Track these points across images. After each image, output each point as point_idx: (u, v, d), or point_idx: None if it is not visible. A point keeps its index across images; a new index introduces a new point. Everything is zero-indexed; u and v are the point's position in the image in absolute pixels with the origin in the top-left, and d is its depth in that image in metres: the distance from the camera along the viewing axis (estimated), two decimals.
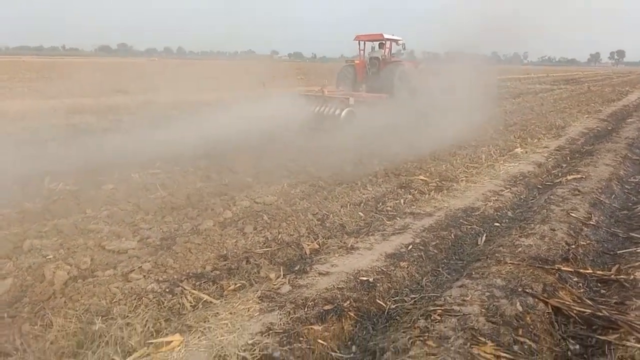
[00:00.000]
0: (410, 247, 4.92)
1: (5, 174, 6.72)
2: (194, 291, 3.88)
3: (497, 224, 5.79)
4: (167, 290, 3.89)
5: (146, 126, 11.77)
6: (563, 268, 4.43)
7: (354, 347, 3.39)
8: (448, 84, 14.47)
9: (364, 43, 15.88)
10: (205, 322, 3.42)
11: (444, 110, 12.68)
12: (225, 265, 4.40)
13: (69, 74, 31.98)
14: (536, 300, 3.84)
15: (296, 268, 4.42)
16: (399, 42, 15.85)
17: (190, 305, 3.70)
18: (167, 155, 8.35)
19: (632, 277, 4.32)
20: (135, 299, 3.69)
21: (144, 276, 4.08)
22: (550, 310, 3.76)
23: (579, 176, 7.67)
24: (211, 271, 4.28)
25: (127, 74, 34.04)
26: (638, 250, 4.96)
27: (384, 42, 15.53)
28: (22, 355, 3.00)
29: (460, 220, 5.74)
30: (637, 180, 8.08)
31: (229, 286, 4.01)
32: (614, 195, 7.01)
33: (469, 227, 5.61)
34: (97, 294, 3.70)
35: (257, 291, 3.90)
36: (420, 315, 3.56)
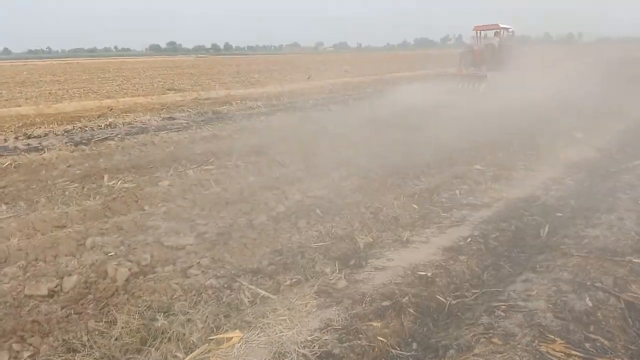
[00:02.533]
0: (469, 239, 4.76)
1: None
2: (251, 286, 3.90)
3: (559, 214, 5.52)
4: (225, 285, 3.93)
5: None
6: (635, 260, 4.17)
7: (414, 345, 3.30)
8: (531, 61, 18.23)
9: (480, 32, 19.53)
10: (263, 317, 3.42)
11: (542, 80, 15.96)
12: (280, 259, 4.41)
13: (118, 73, 33.27)
14: (607, 294, 3.63)
15: (351, 262, 4.37)
16: (510, 30, 19.11)
17: (248, 301, 3.71)
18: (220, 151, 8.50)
19: None
20: (195, 295, 3.75)
21: (203, 272, 4.15)
22: (623, 306, 3.54)
23: None
24: (267, 266, 4.29)
25: (177, 71, 34.97)
26: None
27: (499, 30, 18.86)
28: (89, 351, 3.09)
29: (521, 211, 5.51)
30: None
31: (285, 281, 4.01)
32: None
33: (530, 217, 5.37)
34: (157, 290, 3.79)
35: (314, 286, 3.88)
36: (484, 311, 3.43)
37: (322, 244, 4.73)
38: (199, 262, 4.29)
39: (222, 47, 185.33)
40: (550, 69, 17.97)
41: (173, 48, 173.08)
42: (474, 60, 18.98)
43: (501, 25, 18.86)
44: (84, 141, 10.10)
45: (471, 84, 16.65)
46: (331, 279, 4.03)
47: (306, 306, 3.59)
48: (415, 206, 5.73)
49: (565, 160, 7.77)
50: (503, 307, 3.44)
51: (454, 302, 3.74)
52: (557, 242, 4.61)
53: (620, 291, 3.67)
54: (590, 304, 3.47)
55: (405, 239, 4.83)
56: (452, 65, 22.78)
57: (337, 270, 4.18)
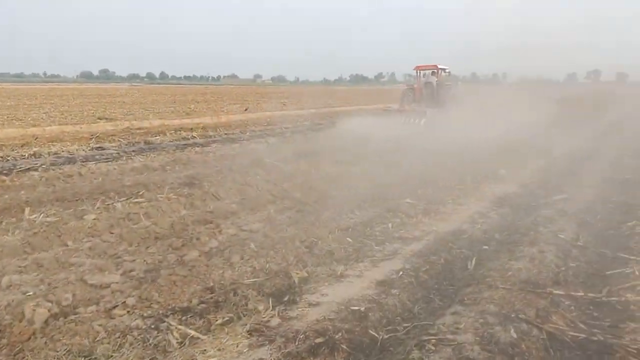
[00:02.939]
0: (401, 273, 4.85)
1: None
2: (180, 327, 3.75)
3: (485, 247, 5.75)
4: (152, 326, 3.76)
5: None
6: (555, 291, 4.40)
7: None
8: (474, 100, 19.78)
9: (420, 72, 20.99)
10: None
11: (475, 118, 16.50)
12: (212, 297, 4.28)
13: (46, 100, 31.86)
14: (530, 325, 3.79)
15: (285, 299, 4.31)
16: (447, 70, 21.00)
17: (177, 342, 3.56)
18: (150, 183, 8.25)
19: (623, 298, 4.30)
20: (119, 337, 3.56)
21: (128, 312, 3.95)
22: (545, 336, 3.70)
23: (564, 196, 7.73)
24: (198, 305, 4.15)
25: (107, 100, 33.92)
26: (627, 271, 4.94)
27: (437, 71, 20.51)
28: None
29: (449, 244, 5.70)
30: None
31: (217, 320, 3.89)
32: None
33: (458, 250, 5.56)
34: (79, 333, 3.56)
35: (246, 325, 3.79)
36: (414, 346, 3.49)
37: (256, 280, 4.65)
38: (124, 302, 4.08)
39: (157, 76, 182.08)
40: (484, 107, 18.95)
41: (106, 76, 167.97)
42: (414, 98, 20.55)
43: (439, 66, 20.63)
44: (4, 171, 9.50)
45: (412, 119, 18.07)
46: (264, 317, 3.96)
47: (237, 346, 3.49)
48: (349, 240, 5.79)
49: (491, 195, 8.15)
50: (433, 340, 3.51)
51: (386, 336, 3.76)
52: (483, 274, 4.79)
53: (542, 322, 3.84)
54: (515, 335, 3.62)
55: (339, 273, 4.85)
56: (384, 100, 23.85)
57: (271, 307, 4.12)
